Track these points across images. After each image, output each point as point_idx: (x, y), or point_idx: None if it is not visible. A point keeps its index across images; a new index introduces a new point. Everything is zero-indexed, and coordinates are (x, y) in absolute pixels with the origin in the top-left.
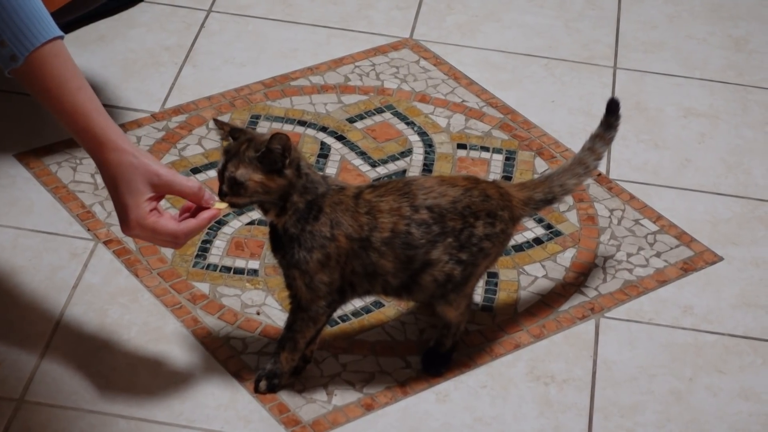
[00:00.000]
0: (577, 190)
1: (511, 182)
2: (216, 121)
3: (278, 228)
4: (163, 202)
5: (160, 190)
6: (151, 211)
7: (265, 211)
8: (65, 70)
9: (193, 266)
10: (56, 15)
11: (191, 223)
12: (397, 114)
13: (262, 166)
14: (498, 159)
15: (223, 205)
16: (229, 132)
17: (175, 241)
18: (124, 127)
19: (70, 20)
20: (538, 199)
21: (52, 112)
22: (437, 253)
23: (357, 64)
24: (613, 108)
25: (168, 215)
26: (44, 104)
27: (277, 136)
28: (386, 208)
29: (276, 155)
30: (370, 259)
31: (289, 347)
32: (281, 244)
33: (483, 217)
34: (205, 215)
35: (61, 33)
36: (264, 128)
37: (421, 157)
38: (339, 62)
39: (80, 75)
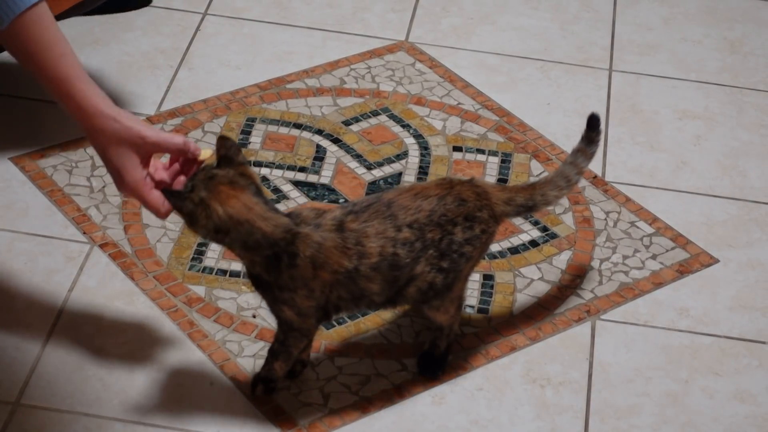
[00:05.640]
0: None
1: (492, 183)
2: (222, 139)
3: (251, 272)
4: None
5: (147, 150)
6: (144, 181)
7: None
8: (49, 36)
9: (189, 269)
10: (65, 15)
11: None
12: (392, 116)
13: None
14: (494, 161)
15: (208, 153)
16: (221, 158)
17: (157, 215)
18: None
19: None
20: (519, 203)
21: (35, 77)
22: (420, 268)
23: (352, 66)
24: (593, 123)
25: (153, 192)
26: (28, 69)
27: (180, 204)
28: (373, 233)
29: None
30: (358, 287)
31: (283, 358)
32: (260, 284)
33: (461, 222)
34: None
35: None
36: (260, 131)
37: (416, 160)
38: (334, 65)
39: (64, 41)
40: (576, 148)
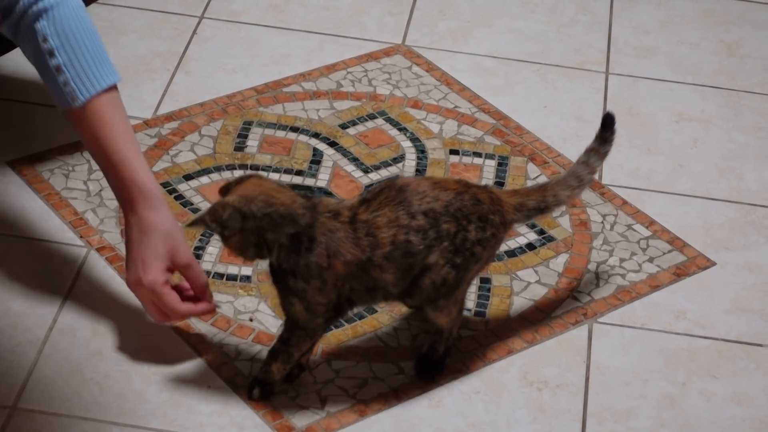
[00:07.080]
0: (570, 202)
1: (503, 188)
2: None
3: (273, 264)
4: None
5: (175, 265)
6: (165, 282)
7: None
8: (119, 120)
9: None
10: None
11: (192, 308)
12: (389, 120)
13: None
14: (490, 164)
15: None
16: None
17: (172, 316)
18: None
19: None
20: (530, 207)
21: (94, 158)
22: (434, 258)
23: (349, 70)
24: (608, 122)
25: (173, 291)
26: (89, 149)
27: (199, 222)
28: (384, 222)
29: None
30: (371, 277)
31: (282, 359)
32: (278, 275)
33: (475, 221)
34: (203, 307)
35: (118, 77)
36: (257, 134)
37: (413, 163)
38: (331, 68)
39: (129, 126)
40: (589, 147)
